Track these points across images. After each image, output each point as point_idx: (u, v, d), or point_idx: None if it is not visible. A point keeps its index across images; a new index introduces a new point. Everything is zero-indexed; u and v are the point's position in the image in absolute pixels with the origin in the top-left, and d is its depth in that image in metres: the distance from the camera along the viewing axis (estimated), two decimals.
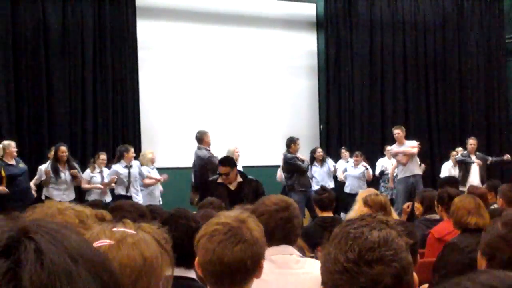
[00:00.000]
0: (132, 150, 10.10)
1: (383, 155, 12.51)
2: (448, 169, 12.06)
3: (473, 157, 11.54)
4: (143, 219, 3.21)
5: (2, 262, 0.67)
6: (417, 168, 10.89)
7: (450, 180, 9.94)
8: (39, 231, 0.72)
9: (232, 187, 7.20)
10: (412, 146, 10.84)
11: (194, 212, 3.95)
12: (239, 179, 7.32)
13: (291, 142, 10.72)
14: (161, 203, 10.07)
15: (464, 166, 11.54)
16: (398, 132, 10.88)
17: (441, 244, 4.87)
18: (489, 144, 14.43)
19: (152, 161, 10.53)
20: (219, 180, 7.34)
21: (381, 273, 1.42)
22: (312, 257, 4.74)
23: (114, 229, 1.79)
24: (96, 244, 1.74)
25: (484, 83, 14.72)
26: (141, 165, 10.27)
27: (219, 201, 4.98)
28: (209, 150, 9.45)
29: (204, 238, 2.17)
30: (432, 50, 14.64)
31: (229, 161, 7.42)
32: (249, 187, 7.18)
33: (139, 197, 9.91)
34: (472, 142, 11.72)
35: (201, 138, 9.52)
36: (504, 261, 2.15)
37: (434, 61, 14.67)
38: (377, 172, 12.43)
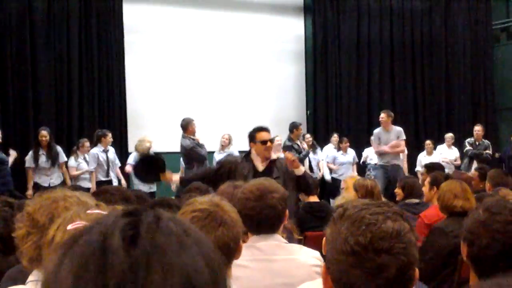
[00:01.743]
0: (110, 135, 10.14)
1: (369, 144, 12.50)
2: (420, 160, 12.17)
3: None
4: (127, 203, 3.21)
5: (126, 218, 0.79)
6: (397, 158, 10.81)
7: (435, 166, 9.98)
8: (162, 212, 0.83)
9: (261, 166, 5.64)
10: (397, 146, 10.65)
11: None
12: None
13: (294, 127, 10.63)
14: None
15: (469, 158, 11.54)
16: (382, 116, 10.72)
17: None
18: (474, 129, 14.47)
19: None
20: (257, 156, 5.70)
21: (387, 263, 1.45)
22: (300, 240, 4.77)
23: (88, 211, 1.81)
24: (71, 226, 1.76)
25: (471, 69, 14.78)
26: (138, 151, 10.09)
27: (206, 186, 4.91)
28: (193, 139, 9.37)
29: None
30: (419, 36, 14.66)
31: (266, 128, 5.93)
32: (280, 168, 5.60)
33: (116, 183, 9.94)
34: (478, 128, 11.77)
35: (186, 127, 9.42)
36: (482, 246, 2.16)
37: (421, 47, 14.69)
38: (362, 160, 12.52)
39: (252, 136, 5.84)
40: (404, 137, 10.65)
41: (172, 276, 0.74)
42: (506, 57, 14.81)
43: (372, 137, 11.09)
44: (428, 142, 12.42)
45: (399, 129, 10.75)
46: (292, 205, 5.49)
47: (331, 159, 12.28)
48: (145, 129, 12.08)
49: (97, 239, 0.76)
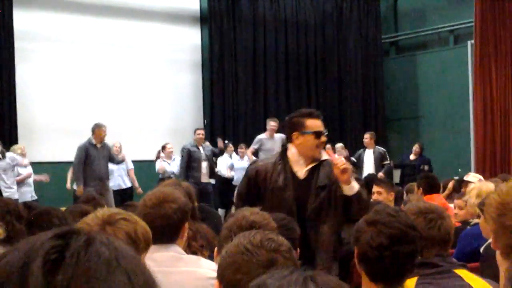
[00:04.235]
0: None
1: None
2: None
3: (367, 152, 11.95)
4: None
5: (53, 241, 0.75)
6: None
7: None
8: (99, 234, 0.79)
9: (302, 172, 3.93)
10: None
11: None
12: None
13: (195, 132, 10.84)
14: (34, 198, 9.81)
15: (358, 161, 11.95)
16: (274, 124, 11.09)
17: None
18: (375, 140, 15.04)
19: (22, 156, 10.18)
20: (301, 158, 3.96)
21: (275, 258, 1.74)
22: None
23: None
24: None
25: (362, 81, 15.31)
26: None
27: (101, 198, 4.80)
28: (90, 144, 9.56)
29: None
30: (312, 48, 15.07)
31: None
32: (329, 175, 3.88)
33: (11, 190, 9.58)
34: (366, 136, 12.21)
35: (93, 130, 9.68)
36: (367, 239, 2.29)
37: (315, 59, 15.10)
38: None
39: (296, 125, 3.97)
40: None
41: None
42: (395, 70, 15.48)
43: (254, 142, 11.33)
44: (338, 145, 12.78)
45: (283, 136, 11.08)
46: (331, 238, 3.86)
47: (229, 165, 12.44)
48: (36, 138, 11.72)
49: (19, 261, 0.73)
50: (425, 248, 2.52)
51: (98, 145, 9.71)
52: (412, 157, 12.66)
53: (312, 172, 3.92)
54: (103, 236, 0.79)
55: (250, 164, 4.41)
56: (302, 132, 3.90)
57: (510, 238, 1.47)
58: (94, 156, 9.63)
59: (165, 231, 2.73)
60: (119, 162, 10.44)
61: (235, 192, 4.59)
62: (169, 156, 11.49)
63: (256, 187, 3.98)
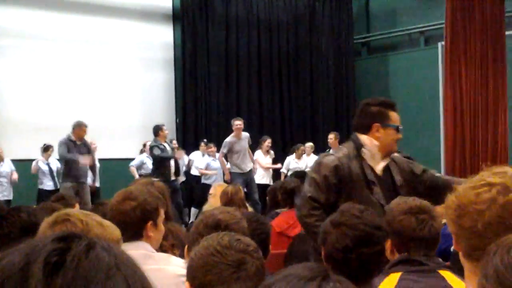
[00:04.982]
0: None
1: None
2: (289, 162, 12.58)
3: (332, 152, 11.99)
4: None
5: (55, 244, 0.76)
6: (249, 162, 11.35)
7: (299, 174, 10.33)
8: (100, 240, 0.79)
9: (380, 167, 3.59)
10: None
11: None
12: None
13: (158, 130, 10.69)
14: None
15: None
16: (239, 123, 11.12)
17: (282, 238, 5.07)
18: (339, 140, 15.11)
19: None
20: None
21: (243, 258, 1.85)
22: None
23: None
24: None
25: (334, 81, 15.40)
26: None
27: (72, 198, 4.76)
28: (70, 141, 9.62)
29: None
30: (285, 48, 15.11)
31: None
32: (403, 168, 3.69)
33: None
34: (330, 136, 12.27)
35: (74, 128, 9.73)
36: (333, 241, 2.31)
37: (287, 59, 15.15)
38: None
39: (378, 115, 3.58)
40: (250, 142, 11.16)
41: None
42: (367, 70, 15.60)
43: (222, 146, 11.32)
44: (308, 145, 12.81)
45: (246, 134, 11.19)
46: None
47: (204, 165, 12.42)
48: (15, 136, 11.62)
49: (20, 261, 0.74)
50: (413, 247, 2.53)
51: (78, 142, 9.65)
52: None
53: (386, 169, 3.60)
54: (104, 241, 0.80)
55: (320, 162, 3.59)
56: (386, 124, 3.54)
57: (470, 239, 1.50)
58: (74, 153, 9.57)
59: (125, 228, 2.67)
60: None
61: (302, 199, 3.55)
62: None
63: (337, 185, 3.48)
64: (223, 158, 11.33)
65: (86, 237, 0.79)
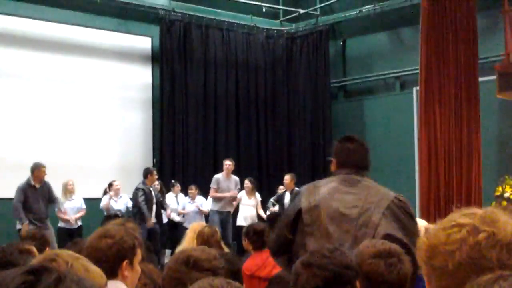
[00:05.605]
0: None
1: None
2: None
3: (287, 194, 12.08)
4: None
5: (24, 276, 0.75)
6: (230, 205, 11.55)
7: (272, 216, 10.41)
8: (69, 272, 0.80)
9: None
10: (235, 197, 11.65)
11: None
12: None
13: (148, 173, 10.80)
14: None
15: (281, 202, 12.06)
16: (229, 163, 11.36)
17: (253, 281, 5.06)
18: (314, 180, 15.16)
19: None
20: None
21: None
22: None
23: None
24: None
25: (310, 124, 15.51)
26: None
27: (47, 234, 4.73)
28: (28, 184, 9.59)
29: None
30: (263, 89, 15.26)
31: None
32: None
33: None
34: (286, 177, 12.29)
35: (32, 171, 9.71)
36: (303, 282, 2.33)
37: (265, 99, 15.29)
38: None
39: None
40: (239, 186, 11.37)
41: None
42: (343, 113, 15.74)
43: (212, 182, 11.55)
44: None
45: (237, 178, 11.42)
46: None
47: (181, 207, 12.40)
48: None
49: None
50: None
51: (37, 185, 9.60)
52: None
53: None
54: (75, 275, 0.80)
55: None
56: None
57: (441, 280, 1.53)
58: (34, 198, 9.51)
59: (100, 265, 2.71)
60: (54, 201, 10.31)
61: None
62: (116, 193, 11.40)
63: None
64: (215, 194, 11.55)
65: (56, 270, 0.78)
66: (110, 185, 11.55)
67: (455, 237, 1.51)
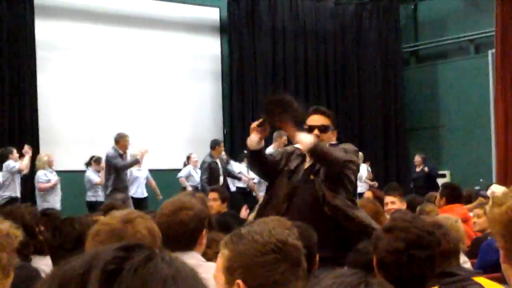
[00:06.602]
0: (15, 151, 9.83)
1: None
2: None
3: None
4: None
5: (116, 252, 0.77)
6: None
7: None
8: (163, 251, 0.80)
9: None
10: None
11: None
12: None
13: (216, 145, 10.76)
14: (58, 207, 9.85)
15: None
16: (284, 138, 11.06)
17: None
18: (387, 150, 14.98)
19: (49, 164, 10.25)
20: None
21: (300, 256, 1.85)
22: None
23: None
24: None
25: (382, 91, 15.23)
26: (38, 168, 10.03)
27: (123, 207, 4.80)
28: (117, 151, 9.71)
29: (89, 237, 2.16)
30: (332, 57, 15.05)
31: None
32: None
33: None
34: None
35: (117, 140, 9.80)
36: (385, 246, 2.29)
37: (334, 68, 15.08)
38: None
39: None
40: None
41: None
42: (415, 79, 15.40)
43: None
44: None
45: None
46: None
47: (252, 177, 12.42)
48: (58, 146, 11.83)
49: (81, 267, 0.75)
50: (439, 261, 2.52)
51: (124, 155, 9.81)
52: (417, 169, 12.93)
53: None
54: (167, 254, 0.80)
55: None
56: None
57: None
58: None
59: (182, 238, 2.75)
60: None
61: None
62: (195, 165, 11.57)
63: None
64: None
65: (148, 248, 0.79)
66: (188, 157, 11.73)
67: None
